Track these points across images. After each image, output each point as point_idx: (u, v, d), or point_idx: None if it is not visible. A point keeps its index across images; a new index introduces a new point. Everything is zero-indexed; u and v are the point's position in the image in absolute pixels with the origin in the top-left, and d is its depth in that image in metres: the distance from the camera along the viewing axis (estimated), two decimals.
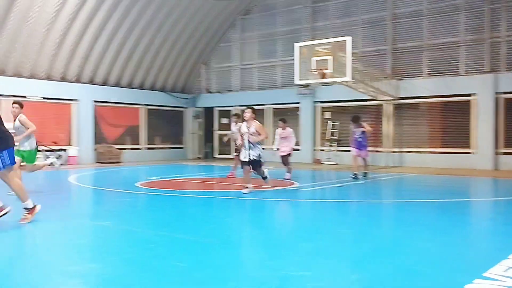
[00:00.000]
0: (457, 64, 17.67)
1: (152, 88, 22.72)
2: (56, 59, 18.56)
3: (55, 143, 18.31)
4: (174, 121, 23.98)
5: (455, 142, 17.56)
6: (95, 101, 20.20)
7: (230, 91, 23.45)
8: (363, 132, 13.32)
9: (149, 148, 22.76)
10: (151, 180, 12.21)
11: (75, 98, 19.49)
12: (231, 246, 5.33)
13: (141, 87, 22.22)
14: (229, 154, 23.07)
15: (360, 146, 13.35)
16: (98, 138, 20.46)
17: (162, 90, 23.17)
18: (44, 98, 18.51)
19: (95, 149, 20.07)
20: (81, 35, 18.53)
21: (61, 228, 6.39)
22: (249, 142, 9.49)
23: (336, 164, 19.16)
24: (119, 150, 20.57)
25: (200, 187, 11.82)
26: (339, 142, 19.77)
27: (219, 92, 23.74)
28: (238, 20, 22.99)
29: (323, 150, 20.36)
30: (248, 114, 9.64)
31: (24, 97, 17.90)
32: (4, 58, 17.08)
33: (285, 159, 12.84)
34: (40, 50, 17.86)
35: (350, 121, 13.78)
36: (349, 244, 5.47)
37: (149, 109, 22.62)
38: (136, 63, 21.31)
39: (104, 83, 20.71)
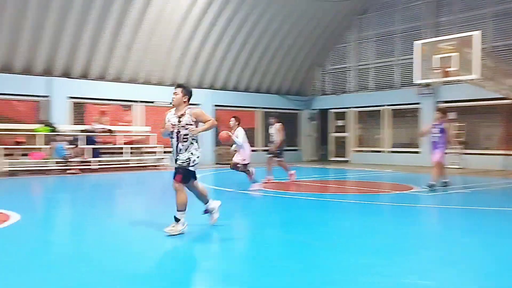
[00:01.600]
0: None
1: (268, 92, 23.27)
2: (181, 67, 19.93)
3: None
4: (289, 124, 24.21)
5: None
6: (215, 105, 21.25)
7: (345, 92, 23.10)
8: (442, 130, 10.63)
9: (264, 150, 23.28)
10: (266, 182, 12.47)
11: (197, 103, 20.68)
12: (344, 249, 5.24)
13: (257, 90, 22.88)
14: (344, 157, 22.75)
15: (434, 147, 10.82)
16: (218, 141, 21.46)
17: (278, 93, 23.61)
18: (170, 103, 19.94)
19: (215, 151, 21.09)
20: (202, 44, 19.68)
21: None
22: (179, 140, 5.98)
23: (462, 168, 17.83)
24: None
25: (314, 190, 11.80)
26: (466, 145, 18.35)
27: (334, 94, 23.51)
28: (354, 20, 22.58)
29: (446, 153, 19.05)
30: (178, 95, 6.17)
31: (152, 102, 19.51)
32: (136, 67, 18.79)
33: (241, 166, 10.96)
34: (167, 59, 19.33)
35: (437, 112, 11.20)
36: (473, 254, 5.06)
37: (265, 112, 23.17)
38: (253, 68, 22.01)
39: (223, 88, 21.72)
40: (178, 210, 5.80)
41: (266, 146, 23.24)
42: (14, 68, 16.19)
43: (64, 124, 16.81)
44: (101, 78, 18.12)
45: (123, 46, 17.83)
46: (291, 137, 24.37)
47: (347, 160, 22.41)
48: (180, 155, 5.94)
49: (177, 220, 5.75)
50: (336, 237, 6.04)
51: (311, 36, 22.25)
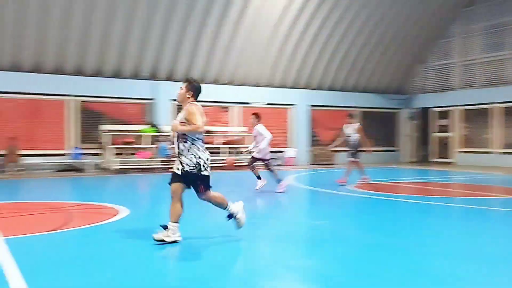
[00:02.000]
0: None
1: (365, 90, 22.66)
2: (277, 68, 20.14)
3: (275, 145, 19.84)
4: (387, 123, 23.42)
5: None
6: (311, 105, 21.16)
7: (449, 89, 21.77)
8: None
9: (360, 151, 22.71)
10: (363, 183, 12.15)
11: (293, 103, 20.79)
12: (446, 255, 4.91)
13: (354, 89, 22.38)
14: (447, 158, 21.45)
15: None
16: (313, 141, 21.38)
17: (375, 91, 22.90)
18: (267, 104, 20.27)
19: (310, 151, 21.01)
20: (298, 45, 19.72)
21: (280, 224, 6.87)
22: (179, 140, 5.36)
23: None
24: (332, 152, 21.08)
25: (414, 192, 11.27)
26: None
27: (436, 92, 22.26)
28: (460, 13, 21.20)
29: None
30: (182, 91, 5.42)
31: (248, 103, 19.92)
32: (233, 69, 19.34)
33: (251, 161, 10.33)
34: (263, 61, 19.65)
35: None
36: None
37: (362, 111, 22.58)
38: (349, 66, 21.57)
39: (319, 88, 21.55)
40: (225, 209, 5.59)
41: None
42: (124, 73, 17.50)
43: (168, 125, 17.79)
44: (201, 81, 18.88)
45: (221, 50, 18.46)
46: (389, 137, 23.54)
47: (451, 162, 21.12)
48: (182, 157, 5.32)
49: (233, 217, 5.57)
50: (438, 243, 5.69)
51: (411, 31, 21.29)
